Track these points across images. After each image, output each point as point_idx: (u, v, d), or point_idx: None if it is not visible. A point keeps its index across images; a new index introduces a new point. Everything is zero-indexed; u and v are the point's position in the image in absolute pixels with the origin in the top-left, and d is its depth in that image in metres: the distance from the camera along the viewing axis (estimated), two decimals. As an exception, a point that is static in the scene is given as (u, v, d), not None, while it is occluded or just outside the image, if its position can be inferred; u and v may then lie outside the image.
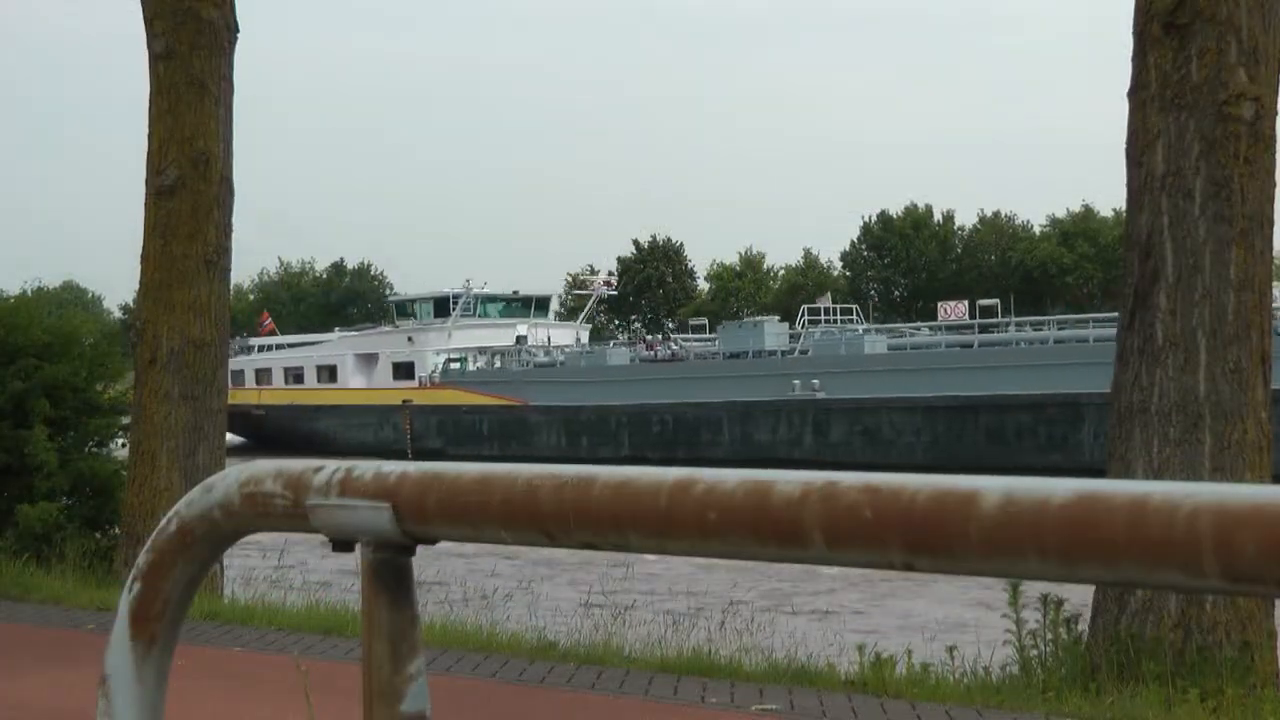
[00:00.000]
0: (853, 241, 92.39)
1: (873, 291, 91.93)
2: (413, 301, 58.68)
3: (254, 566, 14.10)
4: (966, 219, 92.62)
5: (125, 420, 13.26)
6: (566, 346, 51.92)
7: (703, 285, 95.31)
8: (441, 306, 55.29)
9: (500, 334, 53.37)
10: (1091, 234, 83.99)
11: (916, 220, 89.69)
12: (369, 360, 54.28)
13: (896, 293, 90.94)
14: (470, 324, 53.87)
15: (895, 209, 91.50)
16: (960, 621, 14.28)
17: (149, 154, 11.82)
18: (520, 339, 52.86)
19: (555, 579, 17.68)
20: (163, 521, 1.29)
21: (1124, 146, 8.16)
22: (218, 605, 10.33)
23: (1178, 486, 0.81)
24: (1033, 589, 8.12)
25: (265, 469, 1.25)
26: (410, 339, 53.54)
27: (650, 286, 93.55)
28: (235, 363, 57.66)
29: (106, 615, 9.70)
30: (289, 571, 13.31)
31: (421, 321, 55.42)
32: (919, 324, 50.26)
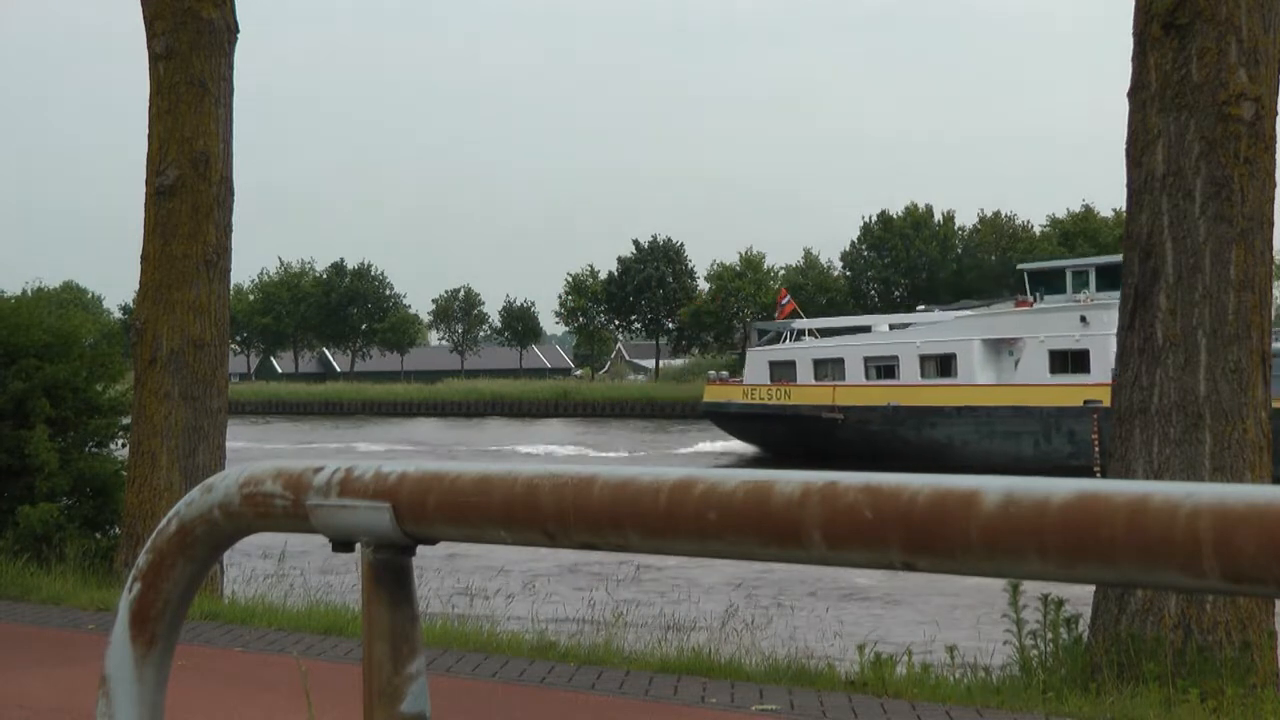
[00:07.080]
0: (853, 241, 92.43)
1: (873, 291, 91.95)
2: (1062, 270, 42.94)
3: (254, 567, 14.09)
4: (966, 219, 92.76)
5: (125, 420, 13.25)
6: None
7: (703, 285, 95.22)
8: (1112, 275, 39.17)
9: None
10: (1091, 234, 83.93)
11: (916, 220, 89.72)
12: (1002, 346, 41.44)
13: (896, 293, 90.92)
14: None
15: (895, 209, 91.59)
16: (959, 622, 14.27)
17: (149, 154, 11.81)
18: None
19: (556, 579, 17.66)
20: (163, 522, 1.29)
21: (1124, 146, 8.16)
22: (218, 605, 10.31)
23: (1178, 486, 0.81)
24: (1033, 589, 8.11)
25: (265, 469, 1.24)
26: (1083, 318, 39.46)
27: (650, 286, 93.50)
28: (779, 352, 46.58)
29: (106, 615, 9.69)
30: (289, 571, 13.29)
31: (1092, 295, 40.67)
32: None
